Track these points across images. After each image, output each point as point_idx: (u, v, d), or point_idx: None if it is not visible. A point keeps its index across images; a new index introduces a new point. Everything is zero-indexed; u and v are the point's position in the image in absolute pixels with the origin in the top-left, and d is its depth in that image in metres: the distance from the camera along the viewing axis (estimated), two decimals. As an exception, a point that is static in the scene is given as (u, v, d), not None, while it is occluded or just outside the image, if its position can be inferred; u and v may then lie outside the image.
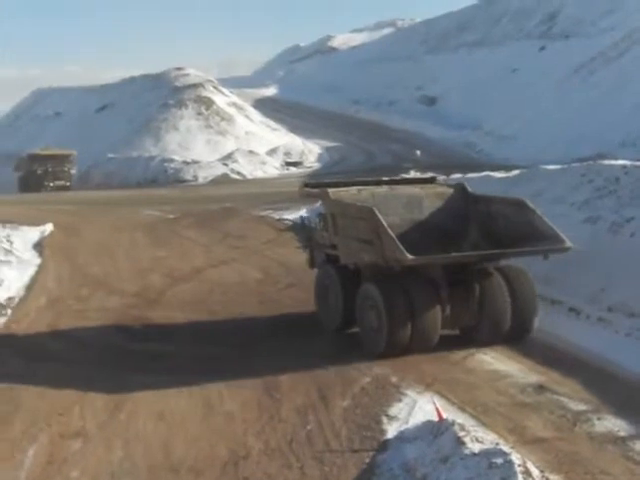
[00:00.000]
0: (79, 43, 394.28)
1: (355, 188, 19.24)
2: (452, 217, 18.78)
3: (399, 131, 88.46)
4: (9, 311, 21.73)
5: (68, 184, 76.18)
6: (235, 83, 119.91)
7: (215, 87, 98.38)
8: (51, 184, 75.35)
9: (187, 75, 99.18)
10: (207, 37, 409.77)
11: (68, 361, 17.14)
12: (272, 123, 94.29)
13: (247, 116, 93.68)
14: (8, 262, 27.46)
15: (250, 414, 13.65)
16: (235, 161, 76.81)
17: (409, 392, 14.13)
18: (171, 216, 41.32)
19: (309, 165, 79.10)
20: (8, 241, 30.77)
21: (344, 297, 17.74)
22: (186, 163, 77.57)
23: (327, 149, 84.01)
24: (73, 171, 77.98)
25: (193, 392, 14.79)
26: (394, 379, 14.89)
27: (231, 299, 22.05)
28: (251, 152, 79.59)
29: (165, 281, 25.09)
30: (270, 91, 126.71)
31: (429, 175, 23.14)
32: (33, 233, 34.12)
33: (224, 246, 30.28)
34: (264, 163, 77.50)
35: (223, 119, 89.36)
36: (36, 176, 75.44)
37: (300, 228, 21.13)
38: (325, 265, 19.18)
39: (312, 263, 20.12)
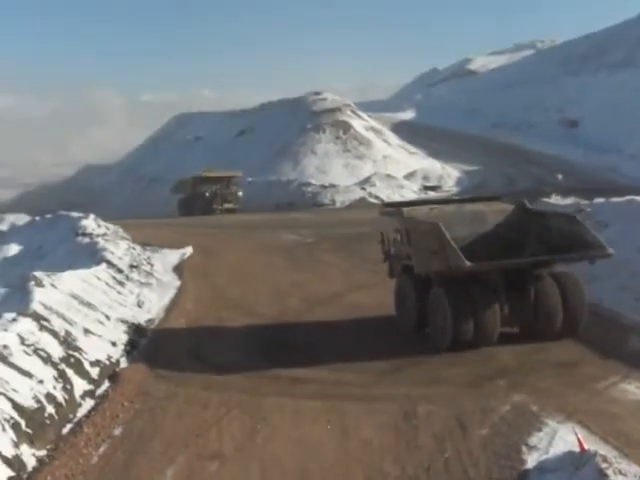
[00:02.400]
0: (214, 67, 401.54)
1: (427, 207, 21.98)
2: (513, 230, 20.75)
3: (539, 154, 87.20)
4: (149, 333, 22.13)
5: (236, 206, 73.08)
6: (372, 107, 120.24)
7: (353, 111, 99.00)
8: (220, 207, 72.52)
9: (325, 100, 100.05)
10: (344, 61, 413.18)
11: (206, 384, 17.33)
12: (410, 147, 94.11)
13: (385, 140, 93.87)
14: (148, 284, 28.06)
15: (387, 440, 13.57)
16: (373, 185, 76.90)
17: (549, 421, 13.84)
18: (309, 240, 41.51)
19: (447, 189, 78.37)
20: (149, 263, 31.50)
21: (417, 302, 20.29)
22: (324, 187, 77.99)
23: (466, 173, 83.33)
24: (240, 193, 74.47)
25: (330, 417, 14.79)
26: (534, 408, 14.61)
27: (370, 325, 22.00)
28: (389, 176, 79.59)
29: (304, 305, 25.20)
30: (408, 115, 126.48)
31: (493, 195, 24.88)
32: (173, 256, 34.80)
33: (363, 270, 30.22)
34: (402, 187, 77.24)
35: (361, 143, 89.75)
36: (204, 199, 72.72)
37: (380, 243, 23.05)
38: (402, 274, 21.76)
39: (391, 273, 22.83)
